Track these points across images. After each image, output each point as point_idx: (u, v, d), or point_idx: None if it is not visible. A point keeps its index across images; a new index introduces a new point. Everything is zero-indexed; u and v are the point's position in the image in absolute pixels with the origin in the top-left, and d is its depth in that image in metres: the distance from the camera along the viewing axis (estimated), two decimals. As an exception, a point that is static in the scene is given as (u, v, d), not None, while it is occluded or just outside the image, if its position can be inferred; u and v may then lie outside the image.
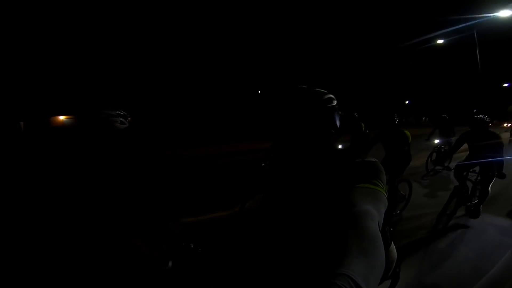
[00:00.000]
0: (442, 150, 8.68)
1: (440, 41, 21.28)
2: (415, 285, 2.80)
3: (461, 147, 4.62)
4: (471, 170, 4.41)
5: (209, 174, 7.74)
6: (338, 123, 1.16)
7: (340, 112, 1.18)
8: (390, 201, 4.34)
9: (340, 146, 6.82)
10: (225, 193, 5.04)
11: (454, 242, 3.74)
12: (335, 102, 1.15)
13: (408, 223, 4.35)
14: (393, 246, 1.33)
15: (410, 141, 4.73)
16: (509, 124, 17.20)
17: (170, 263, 1.32)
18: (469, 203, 4.40)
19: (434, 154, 8.69)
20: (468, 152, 4.56)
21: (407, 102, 38.59)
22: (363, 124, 6.96)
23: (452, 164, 4.82)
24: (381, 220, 0.90)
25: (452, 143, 8.24)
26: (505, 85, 33.31)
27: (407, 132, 4.75)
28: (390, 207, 4.41)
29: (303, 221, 1.02)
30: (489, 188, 4.33)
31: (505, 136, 5.30)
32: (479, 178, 4.41)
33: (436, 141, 8.77)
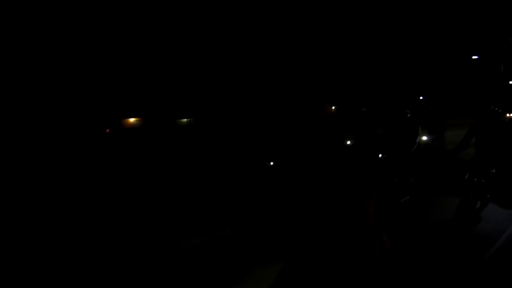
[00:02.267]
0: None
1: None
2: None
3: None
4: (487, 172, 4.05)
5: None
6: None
7: (364, 109, 1.52)
8: (401, 189, 4.71)
9: (348, 142, 7.66)
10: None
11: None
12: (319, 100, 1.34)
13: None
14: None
15: (420, 132, 5.09)
16: None
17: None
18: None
19: None
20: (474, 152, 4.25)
21: (421, 97, 39.11)
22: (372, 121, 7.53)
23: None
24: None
25: (444, 139, 8.23)
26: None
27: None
28: (399, 194, 4.76)
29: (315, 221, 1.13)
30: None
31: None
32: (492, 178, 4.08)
33: (424, 138, 7.74)
